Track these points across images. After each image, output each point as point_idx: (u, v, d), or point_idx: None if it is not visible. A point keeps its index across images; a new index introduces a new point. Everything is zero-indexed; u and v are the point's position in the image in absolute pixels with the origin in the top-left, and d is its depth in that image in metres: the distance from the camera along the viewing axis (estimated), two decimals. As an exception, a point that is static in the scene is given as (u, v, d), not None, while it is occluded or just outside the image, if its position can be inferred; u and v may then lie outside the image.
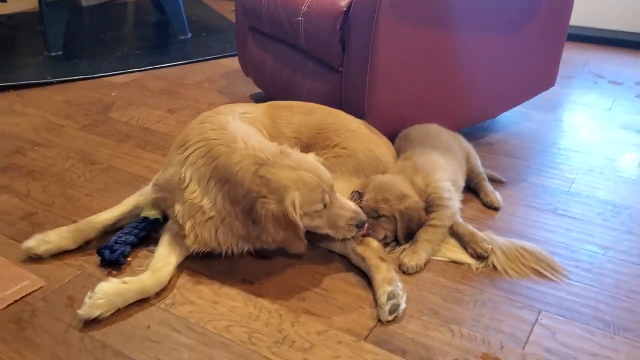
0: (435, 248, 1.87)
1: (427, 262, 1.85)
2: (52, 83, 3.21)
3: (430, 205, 1.94)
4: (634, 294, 1.73)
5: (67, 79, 3.32)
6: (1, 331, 1.56)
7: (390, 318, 1.59)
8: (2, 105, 2.93)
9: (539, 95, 2.99)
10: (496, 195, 2.18)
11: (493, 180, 2.34)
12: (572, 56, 3.86)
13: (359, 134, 2.09)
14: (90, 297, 1.53)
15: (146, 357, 1.47)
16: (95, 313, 1.51)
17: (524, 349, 1.50)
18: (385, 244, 1.92)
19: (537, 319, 1.61)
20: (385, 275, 1.68)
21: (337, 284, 1.75)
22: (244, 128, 1.88)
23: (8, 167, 2.33)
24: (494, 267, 1.84)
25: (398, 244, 1.92)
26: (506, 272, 1.83)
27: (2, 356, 1.46)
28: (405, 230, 1.86)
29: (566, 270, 1.86)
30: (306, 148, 2.05)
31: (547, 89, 2.90)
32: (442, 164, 2.07)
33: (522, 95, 2.82)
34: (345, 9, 2.26)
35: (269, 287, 1.73)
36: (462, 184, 2.13)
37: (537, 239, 1.95)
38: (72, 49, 3.83)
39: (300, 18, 2.43)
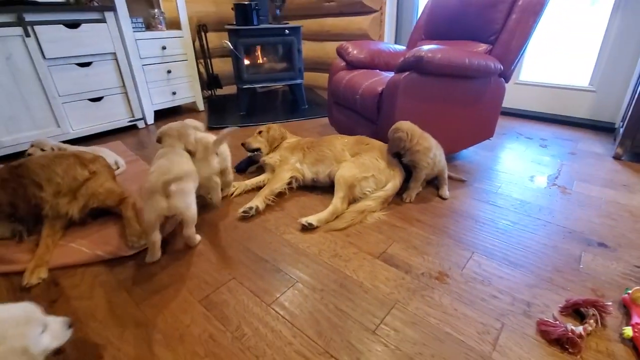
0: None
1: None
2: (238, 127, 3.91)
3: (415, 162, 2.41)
4: (525, 247, 2.10)
5: (244, 125, 4.48)
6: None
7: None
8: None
9: (484, 142, 3.64)
10: (445, 190, 2.70)
11: (454, 180, 2.86)
12: (505, 123, 4.38)
13: (381, 145, 2.71)
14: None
15: (258, 248, 2.00)
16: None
17: (462, 271, 1.91)
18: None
19: (471, 256, 2.02)
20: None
21: (368, 228, 2.25)
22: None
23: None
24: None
25: None
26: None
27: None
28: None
29: (491, 234, 2.11)
30: (354, 149, 2.69)
31: (489, 138, 3.38)
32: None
33: (474, 140, 3.27)
34: (380, 92, 2.81)
35: (336, 227, 2.22)
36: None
37: (475, 216, 2.41)
38: (250, 111, 5.06)
39: (358, 96, 3.07)
